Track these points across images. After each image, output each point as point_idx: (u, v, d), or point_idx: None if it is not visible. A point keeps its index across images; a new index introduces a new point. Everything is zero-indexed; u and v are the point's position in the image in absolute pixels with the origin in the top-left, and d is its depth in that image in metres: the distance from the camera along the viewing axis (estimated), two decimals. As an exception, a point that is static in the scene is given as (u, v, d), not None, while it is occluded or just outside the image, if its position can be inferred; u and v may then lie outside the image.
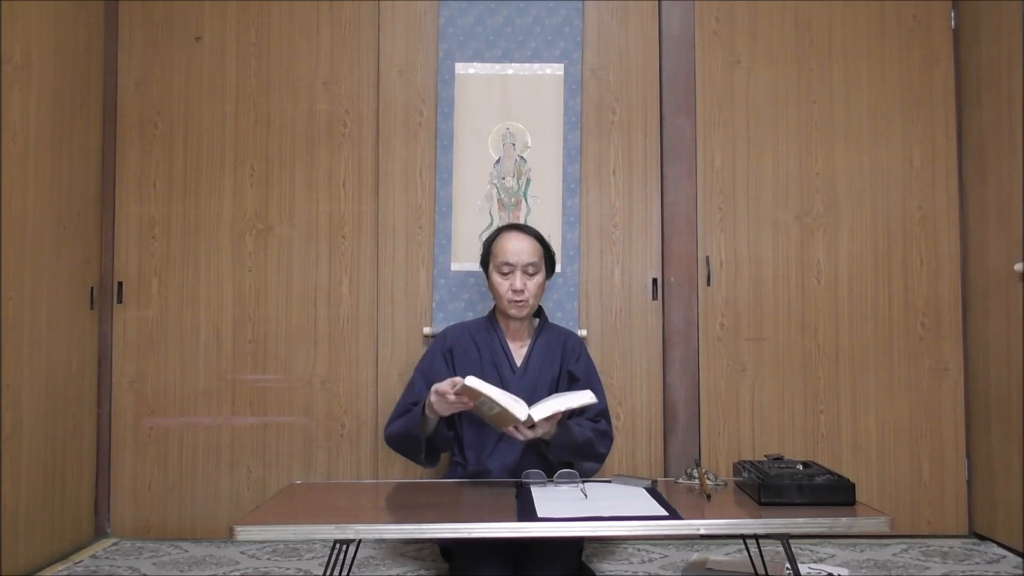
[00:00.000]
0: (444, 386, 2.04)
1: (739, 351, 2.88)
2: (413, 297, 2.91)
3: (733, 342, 2.88)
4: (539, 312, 2.46)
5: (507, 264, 2.33)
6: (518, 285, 2.30)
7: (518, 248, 2.33)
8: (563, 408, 2.03)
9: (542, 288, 2.39)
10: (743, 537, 2.22)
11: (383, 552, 2.66)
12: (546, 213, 2.88)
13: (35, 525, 2.50)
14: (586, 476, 2.27)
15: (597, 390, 2.35)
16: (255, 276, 2.93)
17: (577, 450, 2.21)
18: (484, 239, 2.48)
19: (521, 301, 2.31)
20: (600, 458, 2.30)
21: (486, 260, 2.41)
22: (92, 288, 2.86)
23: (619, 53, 2.96)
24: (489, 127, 2.91)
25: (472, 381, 1.95)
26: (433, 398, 2.08)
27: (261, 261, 2.93)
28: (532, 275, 2.33)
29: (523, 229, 2.41)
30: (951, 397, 2.86)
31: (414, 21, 2.97)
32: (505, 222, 2.85)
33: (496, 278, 2.36)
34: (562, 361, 2.37)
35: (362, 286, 2.92)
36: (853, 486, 1.79)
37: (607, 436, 2.33)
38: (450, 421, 2.29)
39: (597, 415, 2.33)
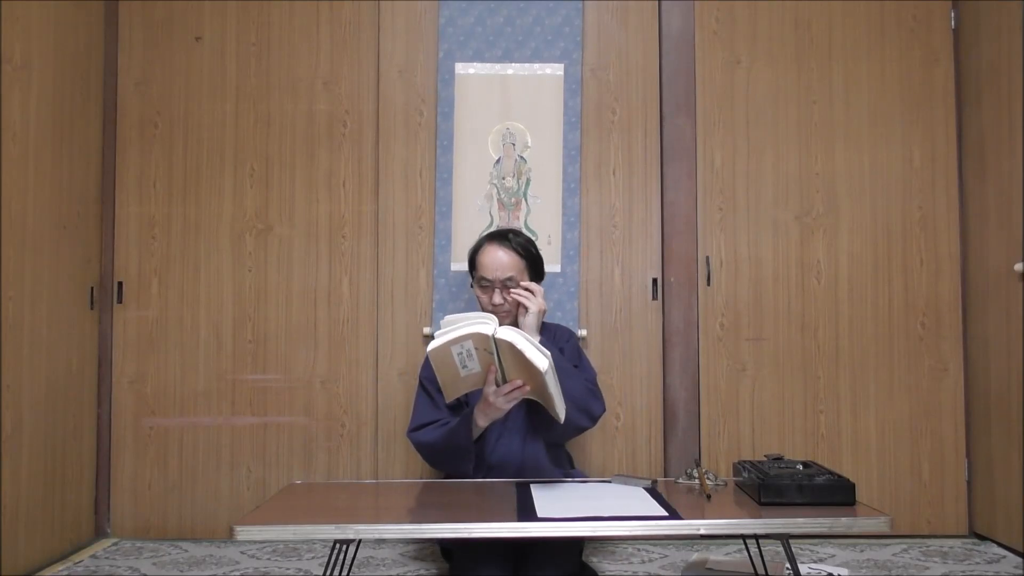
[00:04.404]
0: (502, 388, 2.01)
1: (739, 351, 2.88)
2: (413, 297, 2.91)
3: (733, 342, 2.88)
4: None
5: (485, 279, 2.32)
6: (497, 300, 2.30)
7: (495, 263, 2.31)
8: (523, 342, 1.91)
9: None
10: (743, 537, 2.22)
11: (383, 552, 2.66)
12: (546, 213, 2.88)
13: (35, 525, 2.50)
14: (574, 434, 2.36)
15: (585, 365, 2.40)
16: (255, 276, 2.93)
17: (574, 387, 2.18)
18: (469, 249, 2.45)
19: (503, 314, 2.30)
20: (592, 418, 2.26)
21: (472, 271, 2.41)
22: (92, 288, 2.86)
23: (619, 53, 2.96)
24: (489, 127, 2.91)
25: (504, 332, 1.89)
26: (487, 402, 2.05)
27: (261, 261, 2.93)
28: (512, 288, 2.31)
29: (504, 241, 2.35)
30: (951, 397, 2.86)
31: (414, 21, 2.97)
32: (505, 222, 2.86)
33: (477, 291, 2.36)
34: (552, 345, 2.37)
35: (362, 286, 2.93)
36: (853, 486, 1.79)
37: (598, 398, 2.30)
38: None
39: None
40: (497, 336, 1.89)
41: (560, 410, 1.98)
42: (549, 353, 1.88)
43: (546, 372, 1.85)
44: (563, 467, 2.36)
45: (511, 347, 1.88)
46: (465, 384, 2.05)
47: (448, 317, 2.00)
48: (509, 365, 1.96)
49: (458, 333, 1.91)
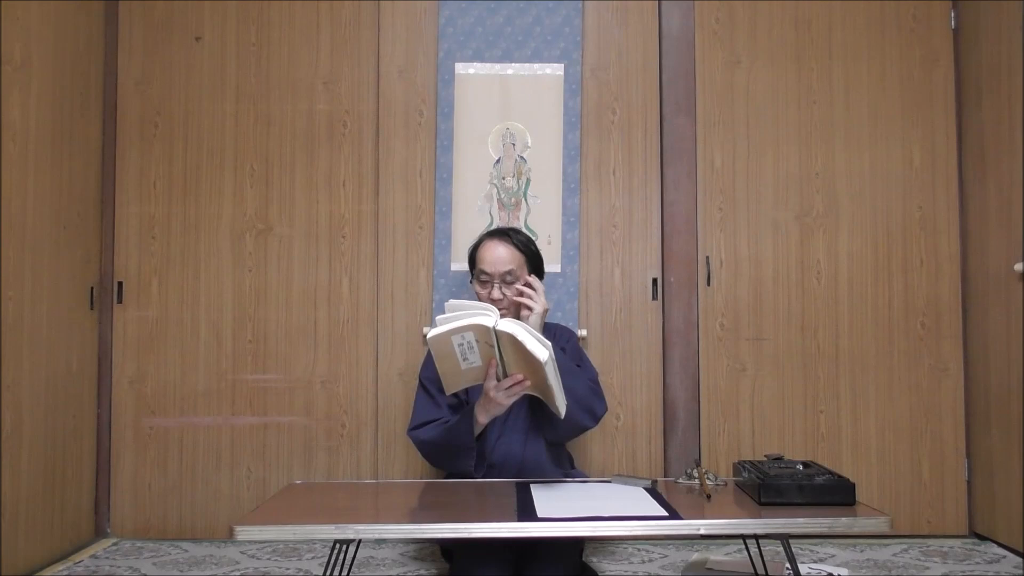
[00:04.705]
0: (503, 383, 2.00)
1: (739, 351, 2.88)
2: (413, 297, 2.91)
3: (733, 342, 2.88)
4: None
5: (484, 273, 2.33)
6: (496, 295, 2.30)
7: (494, 257, 2.32)
8: (523, 334, 1.90)
9: None
10: (743, 537, 2.22)
11: (383, 552, 2.67)
12: (546, 213, 2.88)
13: (35, 525, 2.50)
14: (576, 433, 2.35)
15: (587, 364, 2.40)
16: (255, 276, 2.93)
17: (577, 386, 2.18)
18: (469, 247, 2.46)
19: (502, 310, 2.30)
20: (595, 417, 2.26)
21: (472, 268, 2.41)
22: (92, 288, 2.86)
23: (619, 53, 2.96)
24: (489, 127, 2.91)
25: (506, 326, 1.87)
26: (487, 397, 2.04)
27: (261, 261, 2.94)
28: (511, 283, 2.32)
29: (503, 237, 2.37)
30: (951, 397, 2.86)
31: (414, 21, 2.97)
32: (505, 222, 2.86)
33: (476, 287, 2.36)
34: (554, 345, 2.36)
35: (362, 286, 2.93)
36: (853, 486, 1.79)
37: (601, 397, 2.30)
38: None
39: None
40: (498, 328, 1.89)
41: (560, 404, 1.98)
42: (550, 344, 1.88)
43: (546, 363, 1.84)
44: (564, 467, 2.36)
45: (512, 339, 1.88)
46: (466, 378, 2.05)
47: (452, 302, 2.00)
48: (510, 358, 1.96)
49: (459, 324, 1.91)
